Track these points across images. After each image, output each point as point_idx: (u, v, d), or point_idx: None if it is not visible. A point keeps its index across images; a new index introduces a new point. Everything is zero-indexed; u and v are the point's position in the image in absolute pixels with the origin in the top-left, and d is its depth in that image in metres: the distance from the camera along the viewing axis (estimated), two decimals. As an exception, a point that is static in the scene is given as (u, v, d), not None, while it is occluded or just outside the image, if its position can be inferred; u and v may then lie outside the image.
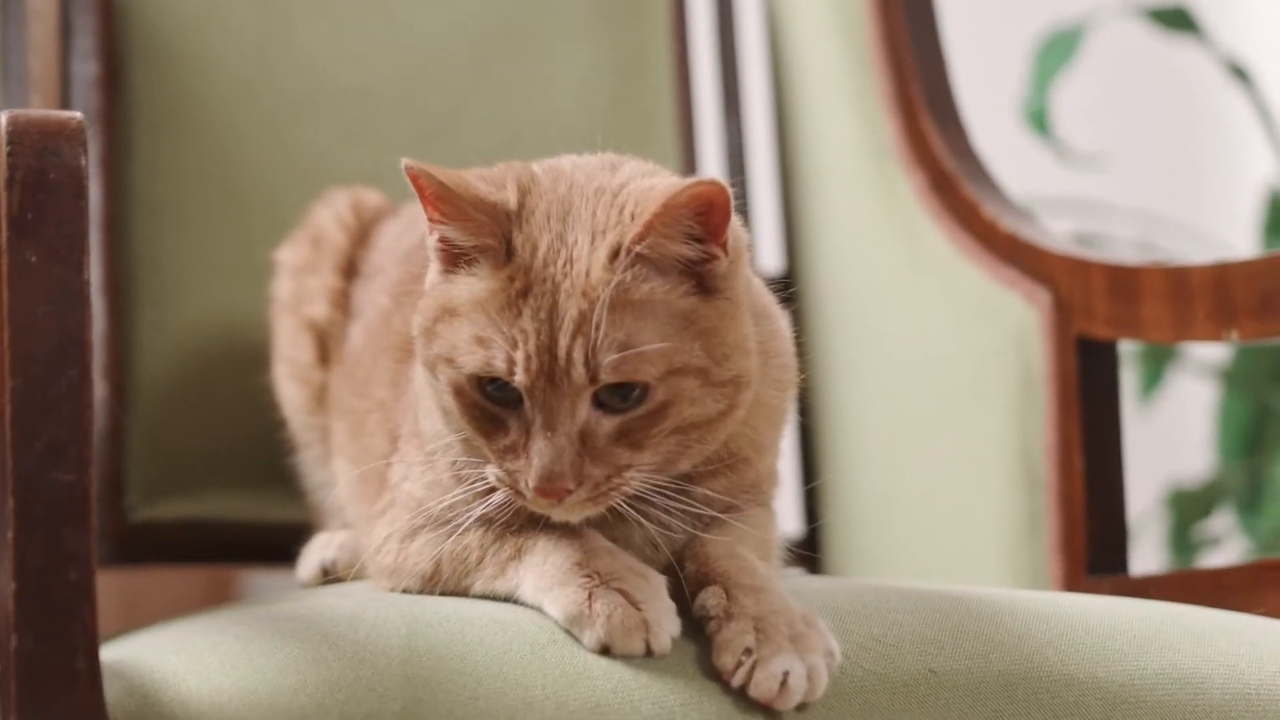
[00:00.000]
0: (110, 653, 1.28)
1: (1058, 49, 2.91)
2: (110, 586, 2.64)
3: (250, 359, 1.83)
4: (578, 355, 1.28)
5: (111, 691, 1.20)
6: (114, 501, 1.88)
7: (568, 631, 1.27)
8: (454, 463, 1.37)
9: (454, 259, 1.33)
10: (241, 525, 1.91)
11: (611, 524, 1.34)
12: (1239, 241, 3.07)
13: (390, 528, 1.41)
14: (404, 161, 1.30)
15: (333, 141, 1.93)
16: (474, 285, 1.31)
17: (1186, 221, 3.14)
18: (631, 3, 2.08)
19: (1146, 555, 3.06)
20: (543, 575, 1.30)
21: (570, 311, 1.28)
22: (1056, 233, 1.91)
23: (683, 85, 2.10)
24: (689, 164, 2.09)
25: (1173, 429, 3.26)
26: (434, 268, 1.35)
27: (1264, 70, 3.07)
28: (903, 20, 1.99)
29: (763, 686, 1.23)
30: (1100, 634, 1.37)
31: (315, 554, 1.65)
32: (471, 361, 1.30)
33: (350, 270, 1.74)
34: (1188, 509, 3.00)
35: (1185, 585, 1.65)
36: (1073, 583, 1.75)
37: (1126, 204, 3.12)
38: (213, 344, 1.88)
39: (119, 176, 1.89)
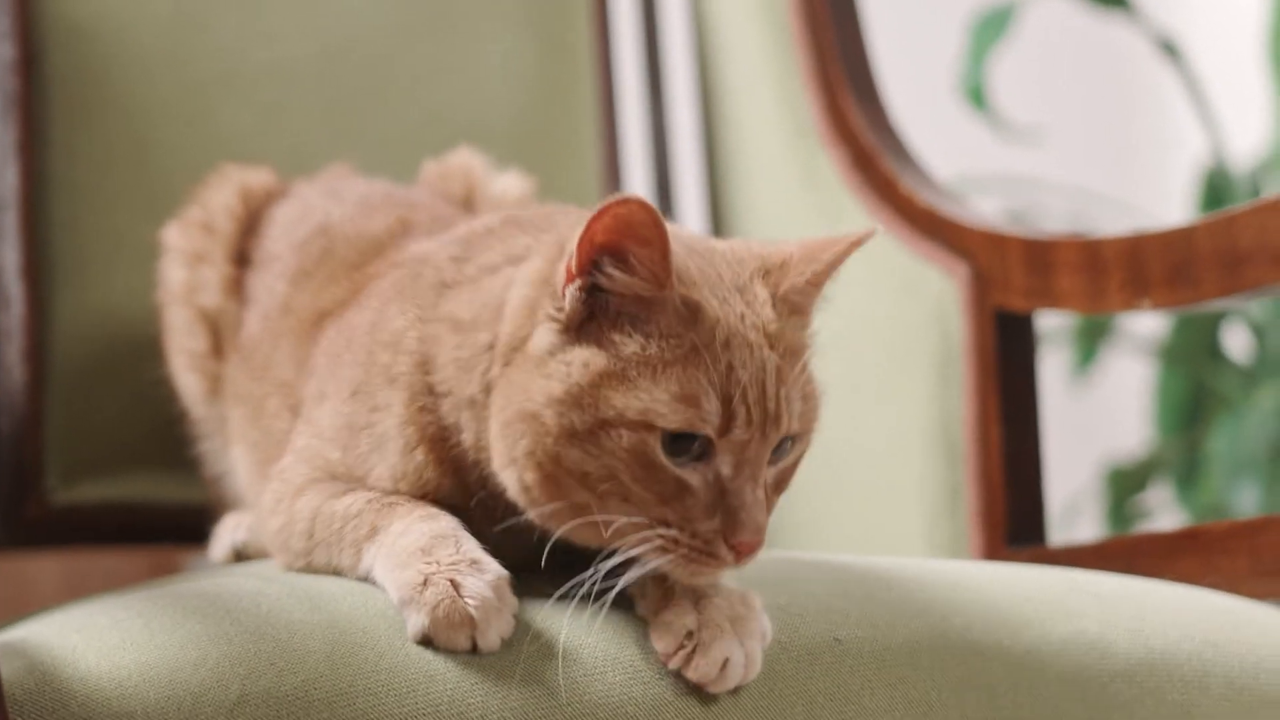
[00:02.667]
0: (11, 633, 1.28)
1: (992, 25, 2.92)
2: (50, 570, 2.65)
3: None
4: (790, 411, 1.25)
5: (10, 670, 1.19)
6: (34, 484, 1.87)
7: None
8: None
9: (612, 316, 1.24)
10: (163, 506, 1.91)
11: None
12: (1175, 217, 3.09)
13: (281, 487, 1.41)
14: (627, 195, 1.21)
15: (250, 121, 1.92)
16: (651, 345, 1.23)
17: (1122, 197, 3.15)
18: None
19: (1085, 530, 3.07)
20: (390, 556, 1.28)
21: (765, 360, 1.24)
22: (990, 209, 1.92)
23: (604, 65, 2.10)
24: (611, 145, 2.09)
25: (1110, 405, 3.28)
26: (554, 329, 1.25)
27: (1194, 46, 3.09)
28: (823, -2, 2.00)
29: (702, 671, 1.23)
30: (1007, 601, 1.38)
31: (226, 535, 1.65)
32: (675, 420, 1.21)
33: (242, 258, 1.71)
34: (1125, 484, 3.02)
35: (1102, 554, 1.66)
36: (992, 554, 1.76)
37: (1062, 181, 3.13)
38: (132, 326, 1.87)
39: (37, 160, 1.88)
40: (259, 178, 1.76)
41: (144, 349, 1.85)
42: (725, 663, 1.23)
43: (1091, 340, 3.03)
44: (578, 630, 1.26)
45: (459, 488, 1.33)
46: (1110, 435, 3.25)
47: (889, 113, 1.97)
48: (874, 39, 2.03)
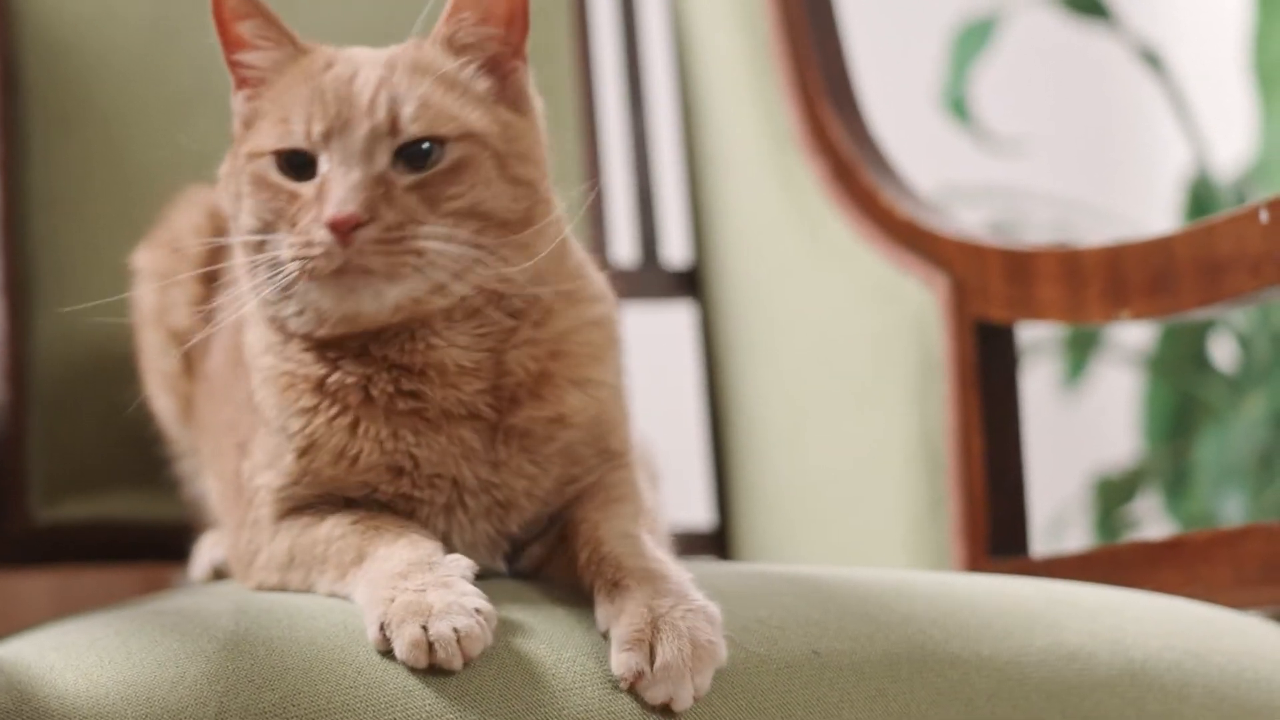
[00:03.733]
0: (-10, 651, 1.28)
1: (973, 36, 2.92)
2: (39, 588, 2.65)
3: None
4: (381, 103, 1.33)
5: (-12, 688, 1.20)
6: (17, 503, 1.87)
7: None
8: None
9: (254, 86, 1.40)
10: (146, 524, 1.90)
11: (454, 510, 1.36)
12: (1158, 225, 3.09)
13: (253, 532, 1.41)
14: None
15: (227, 136, 1.92)
16: (271, 94, 1.38)
17: (1106, 208, 3.16)
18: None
19: (1073, 541, 3.07)
20: (370, 581, 1.29)
21: (372, 73, 1.35)
22: (973, 220, 1.92)
23: (585, 75, 2.09)
24: (592, 154, 2.08)
25: (1098, 416, 3.28)
26: (238, 101, 1.41)
27: (1176, 56, 3.09)
28: (802, 8, 2.00)
29: (650, 700, 1.23)
30: (987, 612, 1.38)
31: (205, 553, 1.65)
32: (269, 139, 1.35)
33: (210, 278, 1.71)
34: (1113, 494, 3.02)
35: (1083, 565, 1.65)
36: (975, 564, 1.76)
37: (1047, 191, 3.14)
38: (113, 342, 1.86)
39: (16, 176, 1.88)
40: None
41: (125, 365, 1.84)
42: (669, 702, 1.23)
43: (1080, 352, 3.03)
44: (555, 645, 1.26)
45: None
46: (1098, 446, 3.25)
47: (868, 123, 1.97)
48: (860, 50, 2.03)
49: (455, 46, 1.38)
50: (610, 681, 1.24)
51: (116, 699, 1.19)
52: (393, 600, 1.24)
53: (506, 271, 1.34)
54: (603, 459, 1.42)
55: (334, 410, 1.37)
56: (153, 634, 1.24)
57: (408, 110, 1.33)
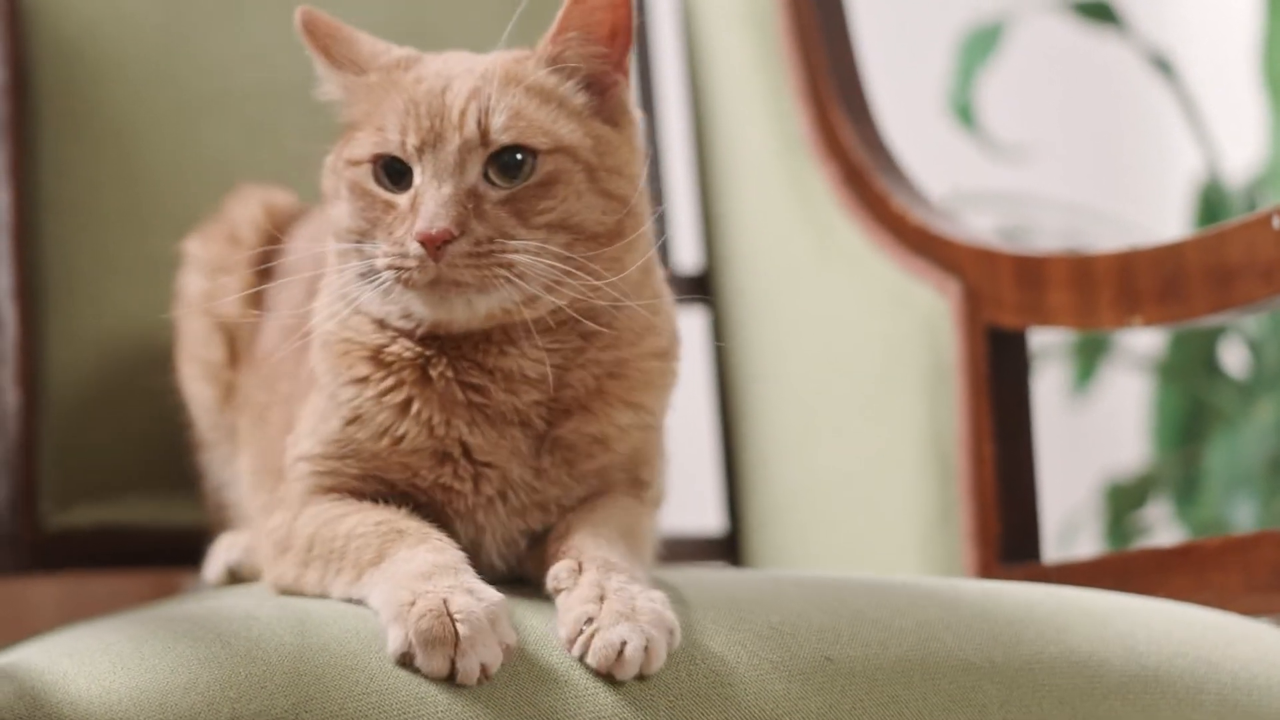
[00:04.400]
0: (2, 658, 1.28)
1: (981, 43, 2.92)
2: (48, 594, 2.65)
3: (163, 361, 1.82)
4: (471, 114, 1.35)
5: (0, 694, 1.19)
6: (28, 509, 1.87)
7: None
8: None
9: (348, 94, 1.42)
10: (158, 530, 1.90)
11: (474, 514, 1.38)
12: (1170, 232, 3.08)
13: (285, 510, 1.42)
14: (300, 9, 1.41)
15: (239, 141, 1.92)
16: (367, 105, 1.40)
17: (1115, 214, 3.15)
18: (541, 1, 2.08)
19: (1084, 547, 3.07)
20: (388, 579, 1.29)
21: (465, 85, 1.37)
22: (983, 226, 1.92)
23: (596, 82, 2.09)
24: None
25: (1108, 422, 3.28)
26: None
27: (1186, 62, 3.09)
28: (813, 12, 2.00)
29: (599, 655, 1.24)
30: (999, 619, 1.38)
31: (220, 555, 1.65)
32: (366, 147, 1.37)
33: (263, 271, 1.73)
34: (1123, 500, 3.01)
35: (1095, 571, 1.65)
36: (986, 571, 1.76)
37: (1057, 197, 3.13)
38: (125, 347, 1.87)
39: (28, 182, 1.88)
40: (283, 196, 1.78)
41: (137, 370, 1.85)
42: (622, 646, 1.24)
43: (1090, 357, 3.03)
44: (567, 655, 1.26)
45: None
46: (1108, 451, 3.24)
47: (880, 128, 1.97)
48: (866, 55, 2.03)
49: (560, 64, 1.39)
50: (625, 690, 1.24)
51: (129, 705, 1.19)
52: (413, 604, 1.23)
53: (596, 284, 1.36)
54: (631, 485, 1.44)
55: (388, 383, 1.39)
56: (165, 640, 1.24)
57: (498, 121, 1.35)
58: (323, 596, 1.35)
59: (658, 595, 1.28)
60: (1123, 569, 1.64)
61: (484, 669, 1.22)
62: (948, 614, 1.37)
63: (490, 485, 1.39)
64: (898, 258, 1.86)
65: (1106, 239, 2.94)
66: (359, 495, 1.40)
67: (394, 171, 1.37)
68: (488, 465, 1.38)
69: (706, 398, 2.07)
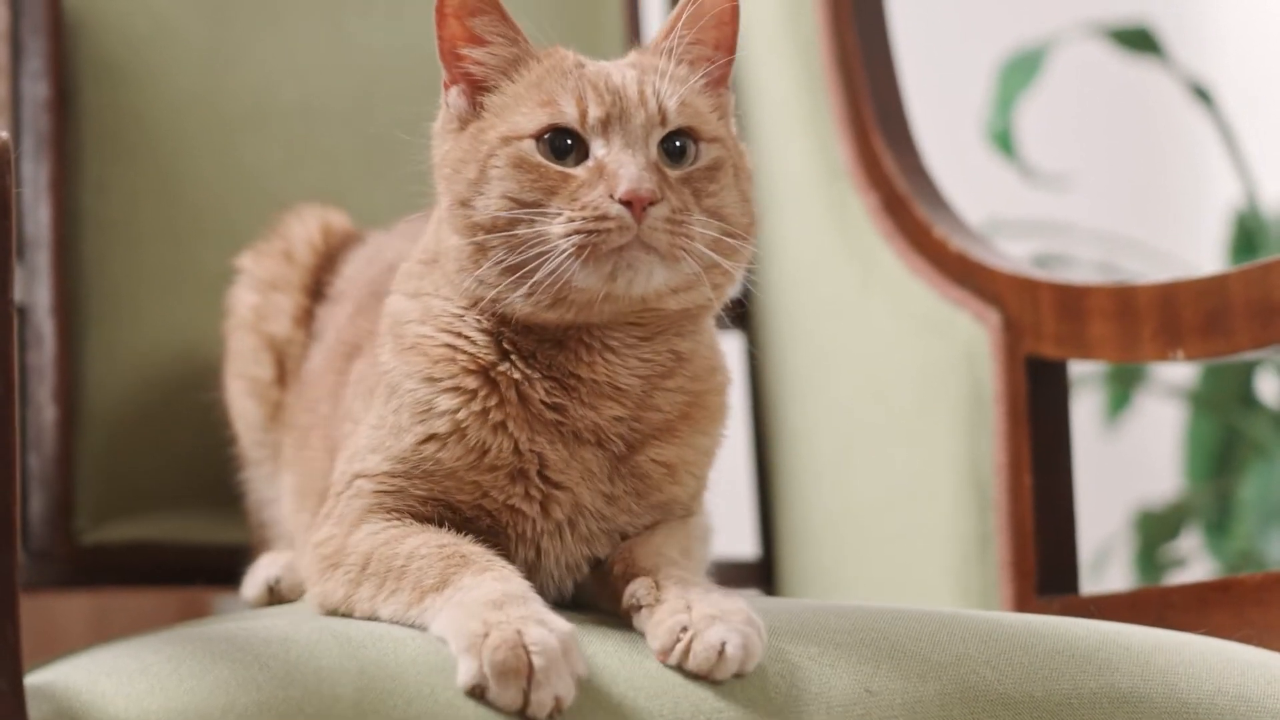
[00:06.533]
0: (41, 675, 1.28)
1: (1020, 70, 2.91)
2: (77, 609, 2.65)
3: (200, 378, 1.82)
4: (651, 95, 1.39)
5: (39, 713, 1.19)
6: (64, 524, 1.87)
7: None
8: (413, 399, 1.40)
9: (477, 90, 1.42)
10: (192, 547, 1.91)
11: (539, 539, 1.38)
12: (1205, 262, 3.08)
13: (336, 526, 1.41)
14: None
15: (280, 158, 1.93)
16: (515, 87, 1.41)
17: (1151, 243, 3.14)
18: (585, 22, 2.08)
19: (1115, 577, 3.06)
20: (458, 607, 1.27)
21: (630, 73, 1.40)
22: (1018, 254, 1.91)
23: (637, 106, 2.09)
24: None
25: (1141, 451, 3.27)
26: (453, 95, 1.44)
27: (1225, 90, 3.08)
28: (856, 42, 1.99)
29: (700, 657, 1.25)
30: (1039, 653, 1.37)
31: (261, 573, 1.64)
32: (534, 121, 1.38)
33: (316, 292, 1.73)
34: (1155, 530, 3.00)
35: (1133, 605, 1.64)
36: (1023, 603, 1.75)
37: (1091, 225, 3.12)
38: (163, 364, 1.87)
39: (68, 198, 1.88)
40: (339, 218, 1.78)
41: (174, 387, 1.85)
42: (722, 647, 1.25)
43: (1125, 386, 3.02)
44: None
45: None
46: (1141, 480, 3.23)
47: (921, 157, 1.97)
48: (906, 83, 2.03)
49: (681, 61, 1.43)
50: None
51: (167, 726, 1.19)
52: (486, 635, 1.22)
53: (728, 279, 1.41)
54: (683, 514, 1.45)
55: (491, 402, 1.39)
56: (203, 660, 1.24)
57: (672, 104, 1.39)
58: (372, 617, 1.34)
59: (738, 598, 1.30)
60: (1161, 603, 1.63)
61: (558, 701, 1.21)
62: (987, 648, 1.36)
63: (560, 509, 1.39)
64: (938, 286, 1.86)
65: (1142, 268, 2.94)
66: (419, 517, 1.39)
67: (560, 147, 1.38)
68: (558, 486, 1.38)
69: (743, 423, 2.06)
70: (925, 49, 2.97)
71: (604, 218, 1.34)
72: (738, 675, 1.26)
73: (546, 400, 1.39)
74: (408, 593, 1.32)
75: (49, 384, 1.86)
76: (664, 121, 1.39)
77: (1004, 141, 2.90)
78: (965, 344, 1.82)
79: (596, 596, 1.39)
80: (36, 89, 1.89)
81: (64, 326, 1.87)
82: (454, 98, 1.43)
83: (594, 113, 1.38)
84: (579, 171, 1.37)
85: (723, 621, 1.26)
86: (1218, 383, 3.00)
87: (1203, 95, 2.92)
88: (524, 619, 1.24)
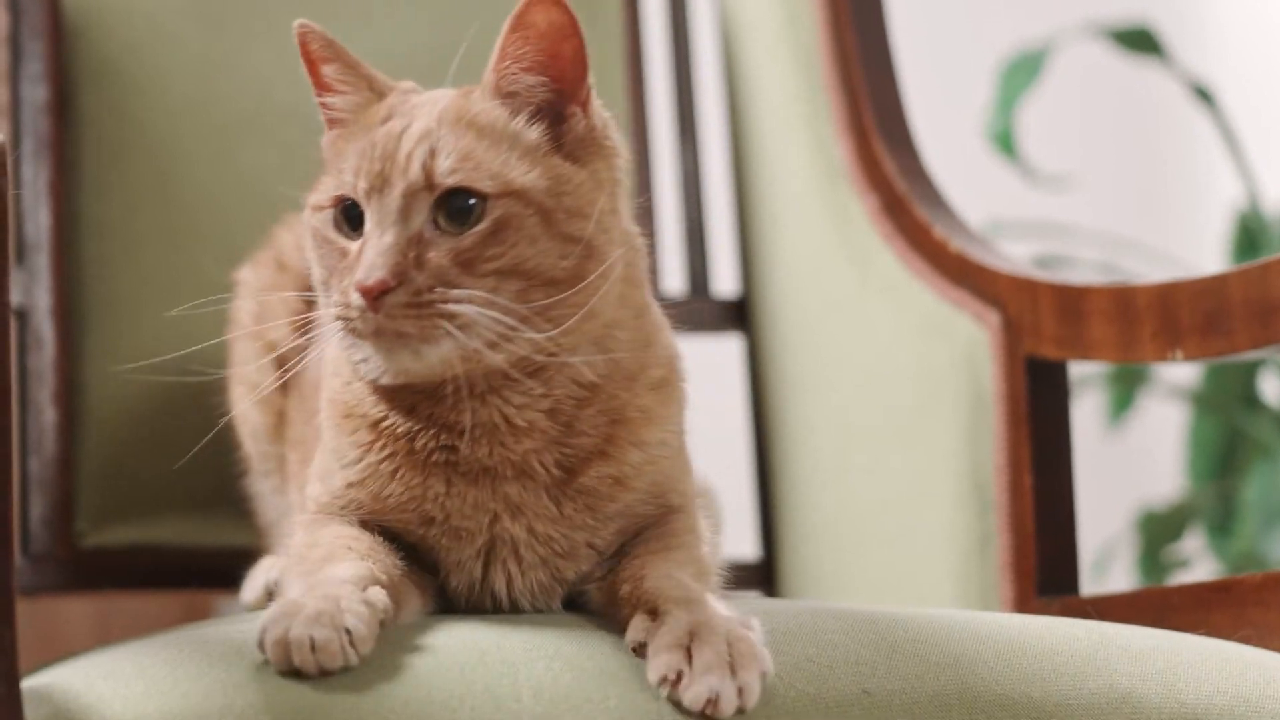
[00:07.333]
0: (39, 678, 1.28)
1: (1022, 71, 2.91)
2: (80, 612, 2.65)
3: (200, 382, 1.82)
4: (417, 156, 1.31)
5: (36, 716, 1.20)
6: (64, 527, 1.87)
7: None
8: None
9: (340, 128, 1.39)
10: (193, 550, 1.91)
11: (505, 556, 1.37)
12: (1207, 263, 3.08)
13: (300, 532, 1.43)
14: (297, 22, 1.38)
15: (277, 162, 1.93)
16: (338, 144, 1.37)
17: (1153, 243, 3.14)
18: (585, 25, 2.07)
19: (1118, 577, 3.06)
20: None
21: (416, 127, 1.33)
22: (1019, 255, 1.91)
23: (637, 108, 2.10)
24: (643, 187, 2.08)
25: (1144, 452, 3.27)
26: (325, 142, 1.40)
27: (1227, 91, 3.08)
28: (855, 43, 2.00)
29: (694, 704, 1.22)
30: (1037, 654, 1.37)
31: (260, 576, 1.64)
32: (327, 189, 1.35)
33: (311, 300, 1.73)
34: (1158, 531, 3.00)
35: (1133, 606, 1.64)
36: (1023, 603, 1.75)
37: (1092, 226, 3.12)
38: (161, 367, 1.87)
39: (68, 201, 1.89)
40: None
41: (174, 391, 1.85)
42: (716, 697, 1.21)
43: (1127, 386, 3.02)
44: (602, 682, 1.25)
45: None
46: (1144, 481, 3.23)
47: (921, 158, 1.97)
48: (907, 83, 2.03)
49: (504, 95, 1.35)
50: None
51: (164, 729, 1.19)
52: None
53: (547, 336, 1.32)
54: (662, 512, 1.42)
55: (383, 454, 1.38)
56: (201, 664, 1.24)
57: (444, 164, 1.31)
58: None
59: (749, 620, 1.27)
60: (1161, 604, 1.63)
61: (317, 656, 1.20)
62: (985, 648, 1.36)
63: (470, 547, 1.37)
64: (937, 287, 1.86)
65: (1143, 269, 2.94)
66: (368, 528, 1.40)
67: (353, 217, 1.34)
68: (463, 529, 1.36)
69: (743, 424, 2.06)
70: (927, 50, 2.98)
71: (348, 306, 1.30)
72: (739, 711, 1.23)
73: (435, 447, 1.36)
74: (299, 582, 1.32)
75: (49, 387, 1.87)
76: (430, 186, 1.31)
77: (1005, 142, 2.90)
78: (965, 345, 1.82)
79: (604, 612, 1.37)
80: (36, 93, 1.89)
81: (64, 330, 1.88)
82: (325, 145, 1.41)
83: (361, 184, 1.32)
84: (353, 247, 1.33)
85: (719, 670, 1.22)
86: (1221, 383, 3.00)
87: (1204, 96, 2.92)
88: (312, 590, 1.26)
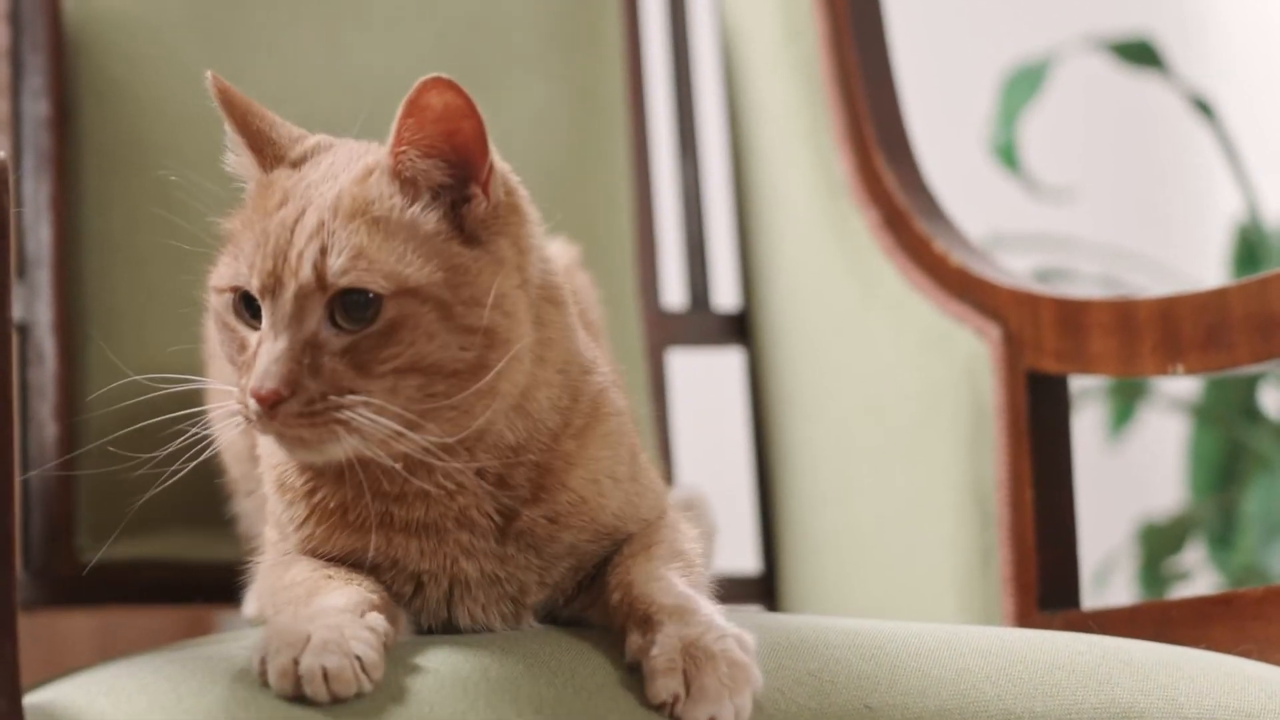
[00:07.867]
0: (41, 694, 1.28)
1: (1023, 84, 2.92)
2: (83, 627, 2.65)
3: (201, 396, 1.82)
4: (308, 256, 1.27)
5: (38, 733, 1.20)
6: (65, 542, 1.87)
7: None
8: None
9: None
10: (194, 565, 1.90)
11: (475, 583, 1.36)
12: (1208, 275, 3.08)
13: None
14: (209, 73, 1.36)
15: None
16: (237, 229, 1.34)
17: (1154, 256, 3.15)
18: (586, 39, 2.08)
19: (1119, 590, 3.05)
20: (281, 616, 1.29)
21: (310, 219, 1.29)
22: (1021, 268, 1.91)
23: (638, 122, 2.10)
24: (644, 201, 2.09)
25: (1144, 464, 3.26)
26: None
27: (1228, 104, 3.08)
28: (855, 57, 2.00)
29: None
30: (1039, 669, 1.37)
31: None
32: (224, 274, 1.32)
33: None
34: (1159, 544, 3.00)
35: (1134, 619, 1.64)
36: (1024, 617, 1.75)
37: (1094, 239, 3.13)
38: (163, 382, 1.87)
39: (69, 216, 1.89)
40: None
41: (175, 405, 1.85)
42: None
43: (1127, 399, 3.02)
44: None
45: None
46: (1144, 494, 3.23)
47: (921, 172, 1.97)
48: (908, 96, 2.03)
49: (402, 180, 1.31)
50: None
51: (165, 745, 1.19)
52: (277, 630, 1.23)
53: (465, 417, 1.30)
54: (638, 527, 1.41)
55: (320, 525, 1.37)
56: (202, 679, 1.24)
57: (335, 263, 1.27)
58: None
59: (743, 636, 1.26)
60: (1162, 618, 1.63)
61: (330, 685, 1.20)
62: (987, 663, 1.36)
63: (438, 588, 1.36)
64: (938, 301, 1.86)
65: (1145, 281, 2.94)
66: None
67: (253, 305, 1.31)
68: (426, 570, 1.35)
69: (744, 437, 2.06)
70: (928, 63, 2.98)
71: (246, 407, 1.29)
72: None
73: (369, 515, 1.34)
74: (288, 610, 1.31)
75: (50, 401, 1.87)
76: (323, 287, 1.27)
77: (1008, 155, 2.90)
78: (966, 359, 1.82)
79: (597, 621, 1.36)
80: (37, 107, 1.89)
81: (65, 344, 1.88)
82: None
83: (255, 281, 1.29)
84: (253, 340, 1.30)
85: (715, 699, 1.22)
86: (1221, 396, 3.00)
87: (1204, 109, 2.92)
88: (313, 616, 1.25)
